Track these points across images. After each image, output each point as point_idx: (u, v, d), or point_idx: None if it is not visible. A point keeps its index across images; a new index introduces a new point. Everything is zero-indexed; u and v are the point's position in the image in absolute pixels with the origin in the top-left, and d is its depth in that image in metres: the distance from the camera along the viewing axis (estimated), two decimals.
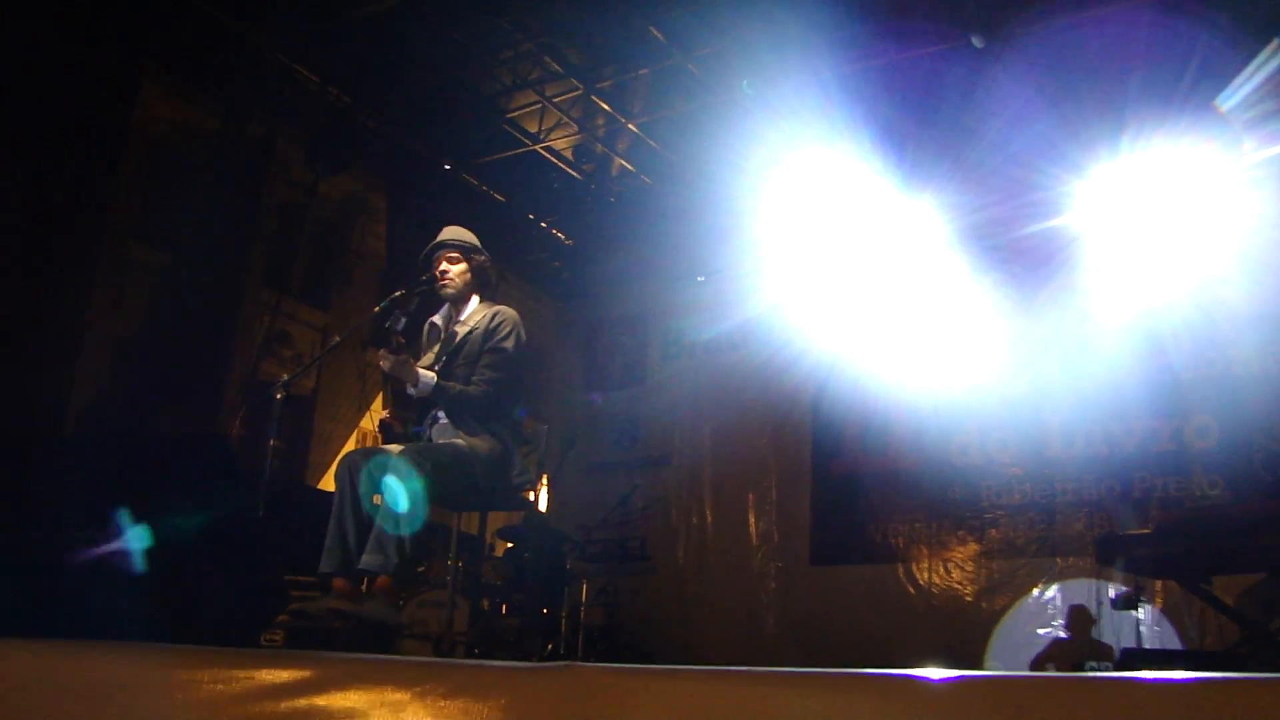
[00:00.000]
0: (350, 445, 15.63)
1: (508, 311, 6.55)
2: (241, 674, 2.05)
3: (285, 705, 2.09)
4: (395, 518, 5.42)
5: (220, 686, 2.03)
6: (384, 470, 5.56)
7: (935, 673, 2.07)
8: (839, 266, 12.79)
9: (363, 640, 5.27)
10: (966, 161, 11.24)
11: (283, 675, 2.12)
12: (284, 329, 15.05)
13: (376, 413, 14.27)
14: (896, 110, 11.03)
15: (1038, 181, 11.23)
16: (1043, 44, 10.04)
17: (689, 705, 2.05)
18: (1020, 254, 11.77)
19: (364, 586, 5.98)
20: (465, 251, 6.65)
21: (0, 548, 4.23)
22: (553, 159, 14.13)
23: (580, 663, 2.28)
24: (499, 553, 10.70)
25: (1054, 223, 11.51)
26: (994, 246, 11.89)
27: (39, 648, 2.31)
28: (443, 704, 2.09)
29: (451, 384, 6.15)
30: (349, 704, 2.10)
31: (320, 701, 2.09)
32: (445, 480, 5.76)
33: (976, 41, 10.01)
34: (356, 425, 16.21)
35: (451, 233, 6.75)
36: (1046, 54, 10.07)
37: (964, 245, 11.99)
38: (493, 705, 2.09)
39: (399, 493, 5.46)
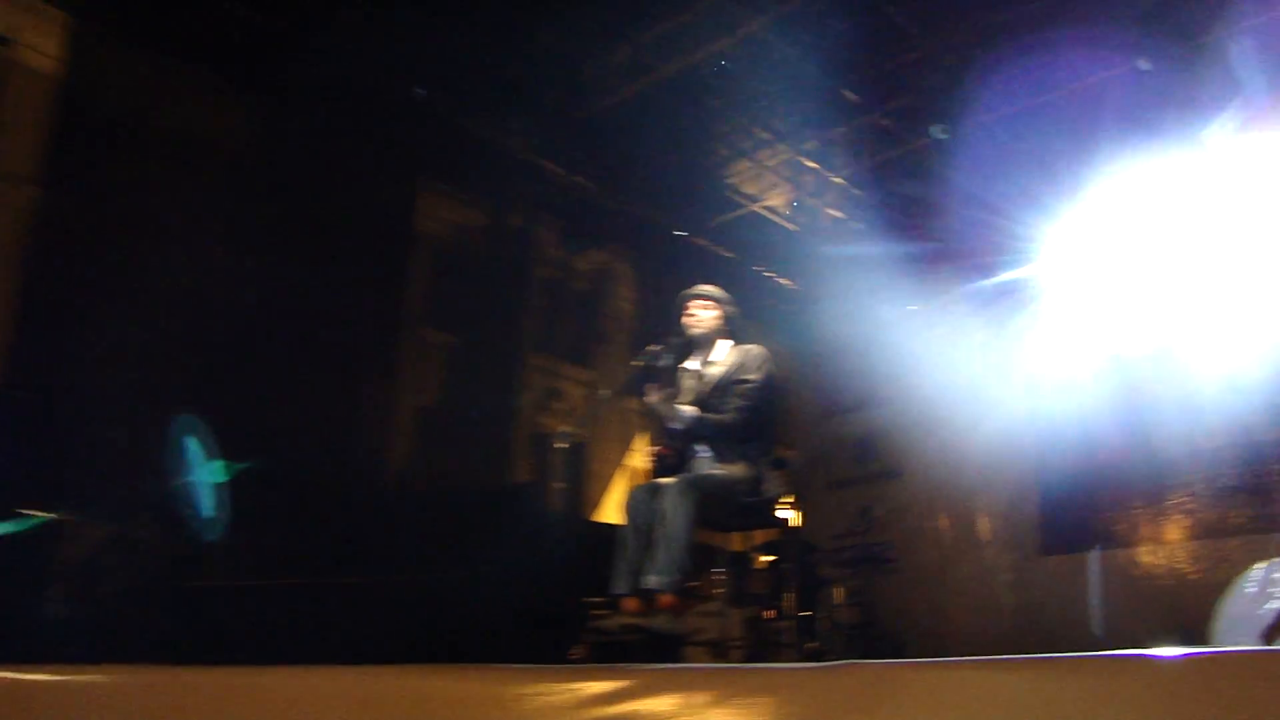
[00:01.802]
0: (618, 481, 16.23)
1: (757, 349, 6.91)
2: (562, 687, 2.22)
3: (608, 712, 2.19)
4: (673, 540, 5.82)
5: (548, 699, 2.20)
6: (662, 500, 5.97)
7: (1168, 651, 2.05)
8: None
9: (653, 651, 5.67)
10: None
11: (600, 686, 2.22)
12: (555, 387, 15.83)
13: (640, 451, 14.87)
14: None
15: None
16: None
17: (957, 692, 2.08)
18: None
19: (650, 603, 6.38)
20: (713, 299, 7.04)
21: (354, 587, 4.83)
22: (771, 215, 14.55)
23: (863, 661, 2.36)
24: (759, 565, 11.06)
25: None
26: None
27: (405, 672, 2.64)
28: (748, 703, 2.11)
29: (708, 415, 6.53)
30: (663, 709, 2.14)
31: (637, 707, 2.17)
32: (712, 505, 6.15)
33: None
34: (621, 463, 16.82)
35: (700, 288, 7.16)
36: None
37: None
38: (791, 703, 2.11)
39: (675, 518, 5.86)
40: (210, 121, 12.35)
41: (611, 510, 15.23)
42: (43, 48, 12.23)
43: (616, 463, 16.79)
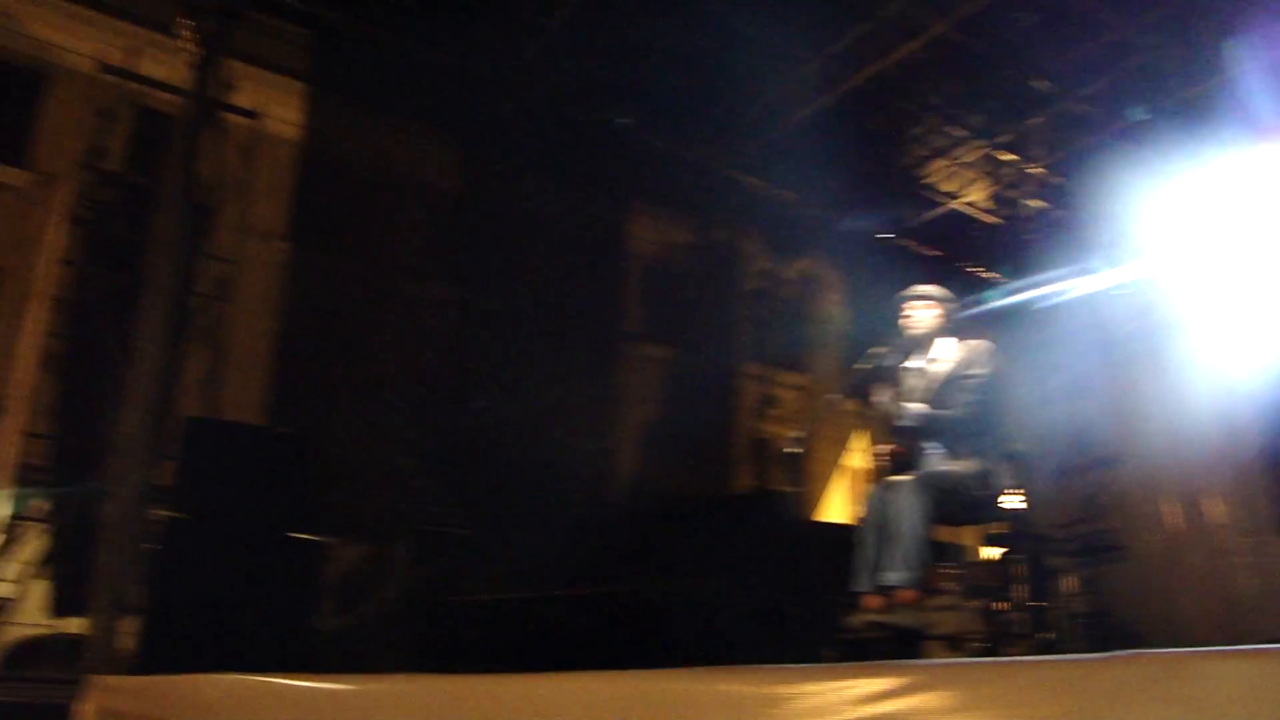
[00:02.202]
0: (836, 483, 16.15)
1: (980, 344, 6.82)
2: (833, 685, 2.13)
3: (884, 708, 2.13)
4: (910, 537, 5.84)
5: (822, 697, 2.17)
6: (896, 498, 5.99)
7: None
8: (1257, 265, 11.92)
9: (895, 647, 5.70)
10: None
11: (873, 683, 2.16)
12: (770, 394, 15.89)
13: (858, 451, 14.78)
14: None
15: None
16: None
17: (1236, 681, 1.93)
18: None
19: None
20: (930, 299, 6.98)
21: (604, 596, 5.05)
22: (971, 211, 14.28)
23: (1146, 650, 2.22)
24: (991, 558, 10.85)
25: None
26: None
27: (673, 674, 2.76)
28: (1030, 697, 2.03)
29: (937, 411, 6.49)
30: (938, 705, 2.08)
31: (914, 704, 2.11)
32: (945, 501, 6.12)
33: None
34: (837, 464, 16.74)
35: (917, 288, 7.11)
36: None
37: None
38: (1072, 695, 2.04)
39: (910, 515, 5.87)
40: (432, 167, 13.06)
41: (833, 511, 15.18)
42: (286, 117, 13.24)
43: (833, 463, 16.73)
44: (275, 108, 13.02)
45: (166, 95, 11.26)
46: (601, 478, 12.23)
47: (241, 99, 11.41)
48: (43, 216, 13.29)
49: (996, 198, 14.33)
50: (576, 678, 3.08)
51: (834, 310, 16.94)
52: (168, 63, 11.16)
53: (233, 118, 11.31)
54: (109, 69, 11.52)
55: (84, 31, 14.04)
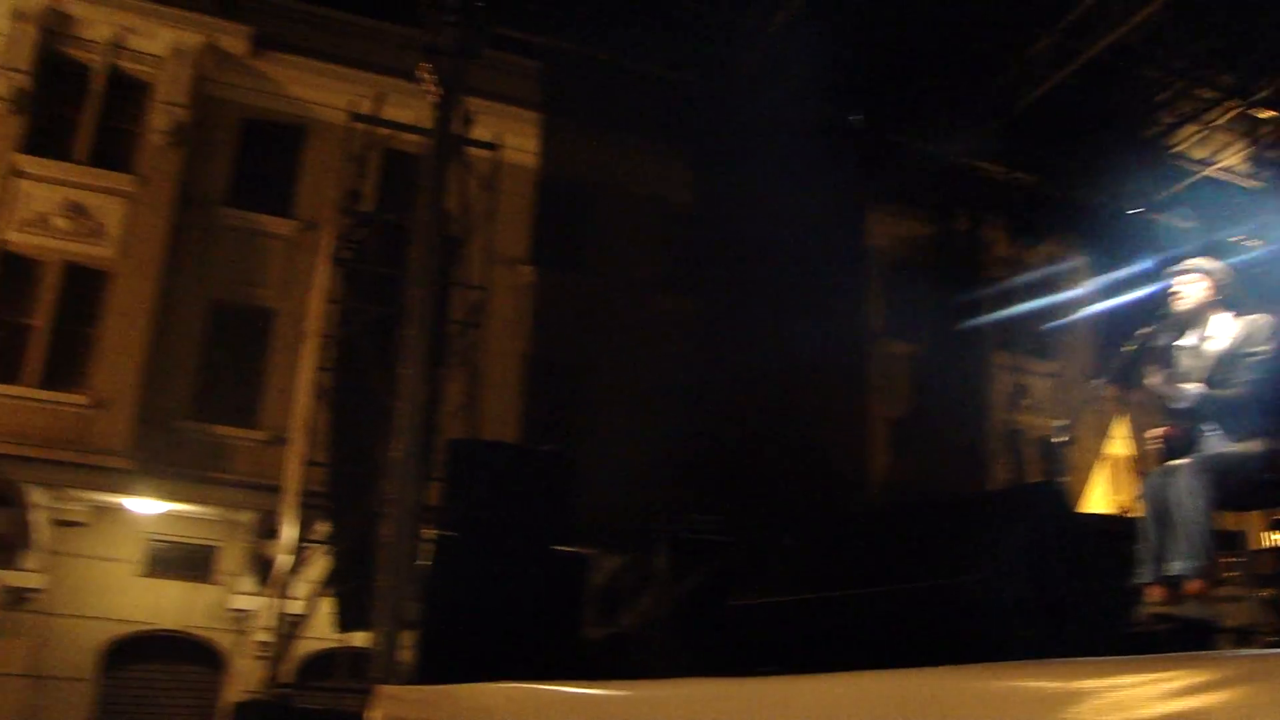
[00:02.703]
0: (1098, 471, 15.32)
1: (1263, 318, 6.27)
2: (1139, 678, 2.05)
3: (1197, 702, 2.01)
4: (1193, 524, 5.44)
5: (1129, 691, 2.08)
6: (1176, 484, 5.60)
7: None
8: None
9: (1183, 640, 5.31)
10: None
11: (1184, 677, 2.04)
12: (1021, 383, 15.27)
13: (1119, 438, 13.97)
14: None
15: None
16: None
17: None
18: None
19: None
20: (1200, 272, 6.47)
21: (876, 596, 4.91)
22: (1227, 176, 13.28)
23: None
24: (1276, 544, 10.02)
25: None
26: None
27: (968, 672, 2.63)
28: None
29: (1215, 391, 6.03)
30: (1256, 700, 1.93)
31: (1226, 698, 1.98)
32: (1227, 485, 5.67)
33: None
34: (1099, 451, 15.89)
35: (1186, 262, 6.61)
36: None
37: None
38: None
39: (1192, 501, 5.48)
40: (665, 181, 13.24)
41: (1098, 501, 14.40)
42: (523, 146, 13.76)
43: (1094, 451, 15.88)
44: (513, 138, 13.50)
45: (412, 136, 11.84)
46: (856, 475, 12.03)
47: (481, 133, 11.88)
48: (309, 260, 14.25)
49: (1255, 159, 13.27)
50: (865, 677, 2.99)
51: (1085, 293, 16.11)
52: (411, 106, 11.74)
53: (474, 151, 11.78)
54: (359, 118, 12.21)
55: (335, 86, 15.02)
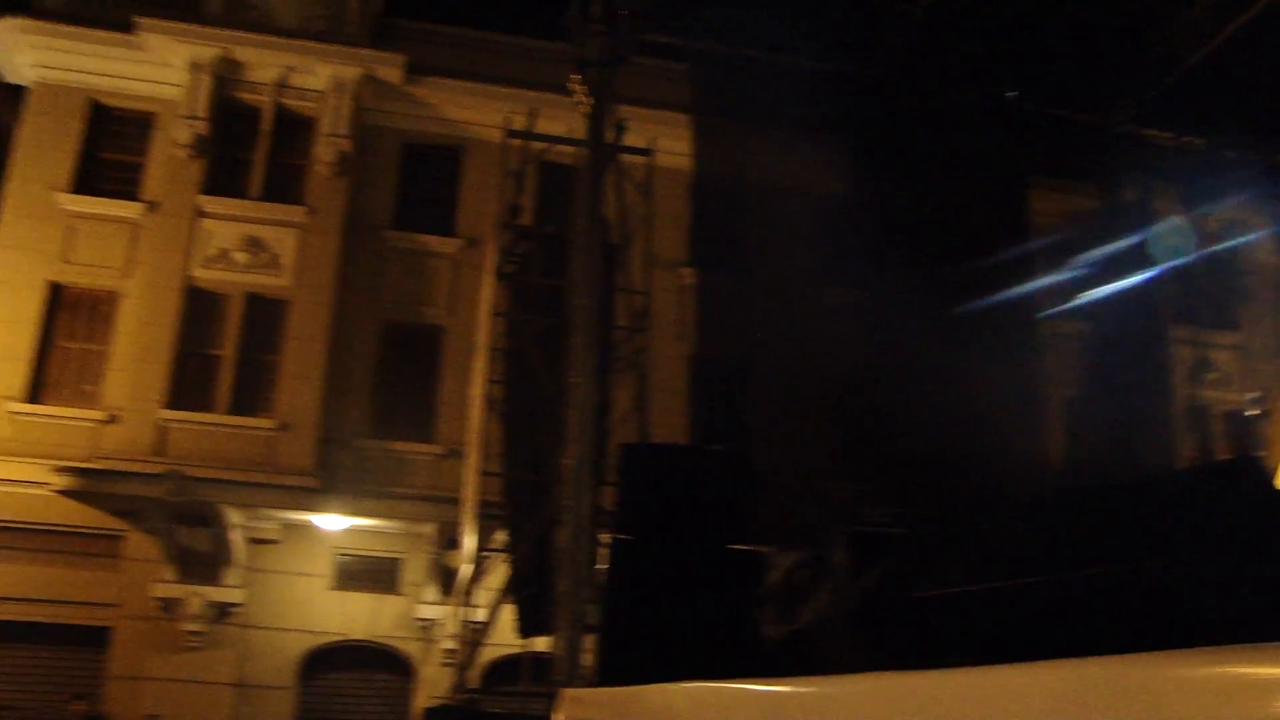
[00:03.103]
0: None
1: None
2: None
3: None
4: None
5: None
6: None
7: None
8: None
9: None
10: None
11: None
12: (1204, 356, 14.64)
13: None
14: None
15: None
16: None
17: None
18: None
19: None
20: None
21: (1070, 582, 4.77)
22: None
23: None
24: None
25: None
26: None
27: (1172, 658, 2.51)
28: None
29: None
30: None
31: None
32: None
33: None
34: None
35: None
36: None
37: None
38: None
39: None
40: (819, 173, 13.09)
41: None
42: (676, 149, 13.83)
43: None
44: (666, 141, 13.59)
45: (566, 148, 12.04)
46: (1035, 459, 11.67)
47: (634, 139, 11.99)
48: (473, 276, 14.65)
49: None
50: (1064, 665, 2.91)
51: (1266, 257, 15.30)
52: (564, 118, 11.96)
53: (628, 158, 11.90)
54: (514, 134, 12.48)
55: (488, 105, 15.42)
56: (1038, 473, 11.41)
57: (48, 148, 15.25)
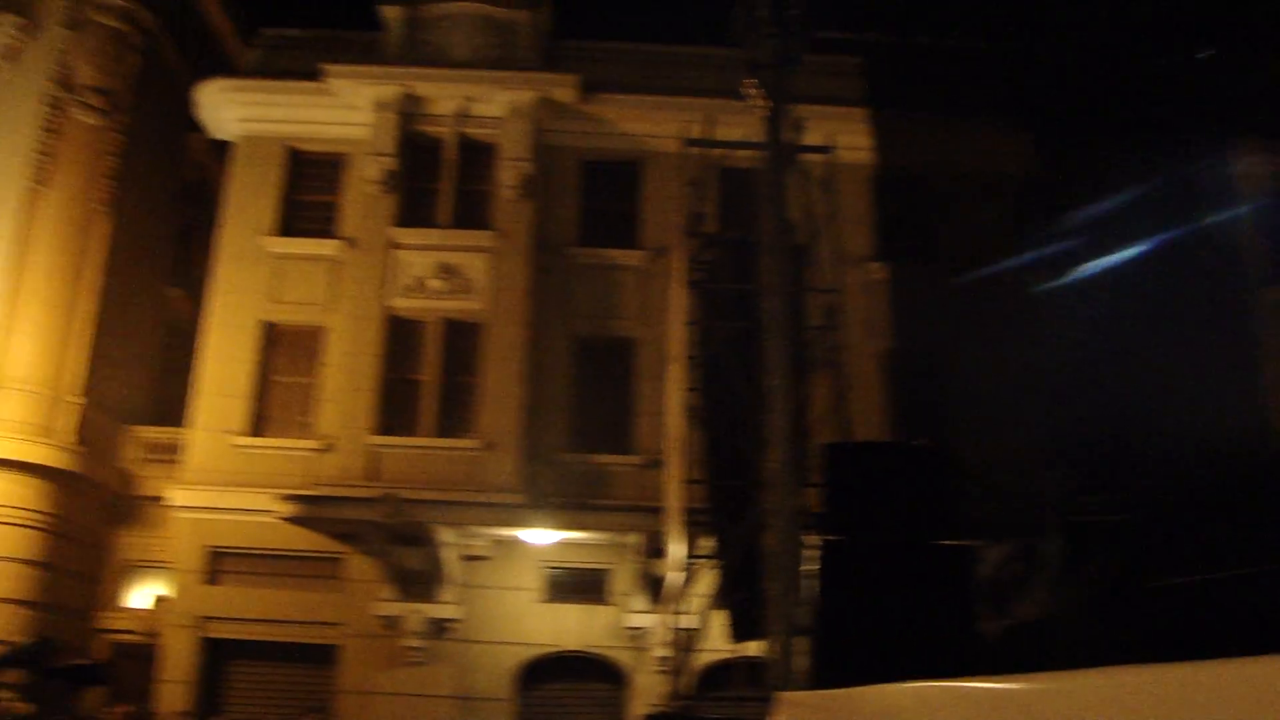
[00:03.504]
0: None
1: None
2: None
3: None
4: None
5: None
6: None
7: None
8: None
9: None
10: None
11: None
12: None
13: None
14: None
15: None
16: None
17: None
18: None
19: None
20: None
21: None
22: None
23: None
24: None
25: None
26: None
27: None
28: None
29: None
30: None
31: None
32: None
33: None
34: None
35: None
36: None
37: None
38: None
39: None
40: (1003, 157, 12.85)
41: None
42: (856, 144, 13.79)
43: None
44: (845, 137, 13.53)
45: (746, 153, 12.14)
46: (1257, 436, 11.12)
47: (813, 138, 12.01)
48: (661, 286, 14.92)
49: None
50: None
51: None
52: (741, 123, 12.06)
53: (809, 157, 11.92)
54: (692, 142, 12.67)
55: (664, 116, 15.69)
56: (1261, 450, 10.88)
57: (253, 195, 16.32)
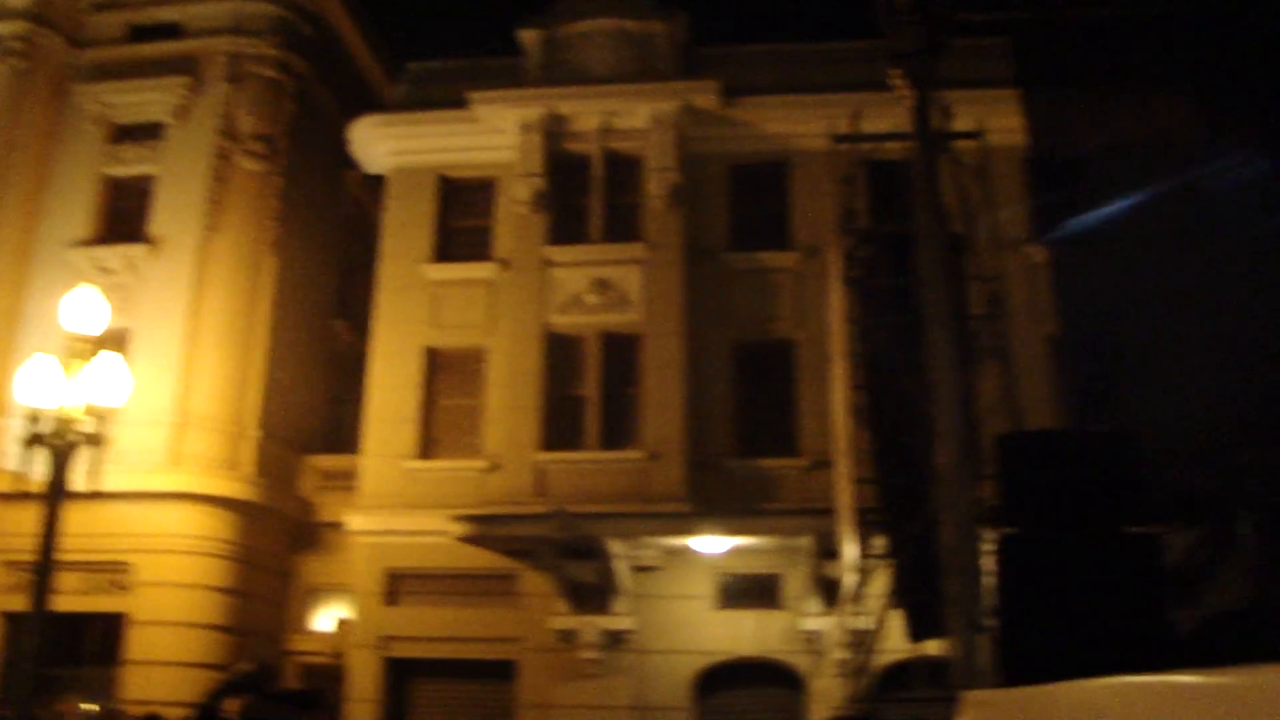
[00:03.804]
0: None
1: None
2: None
3: None
4: None
5: None
6: None
7: None
8: None
9: None
10: None
11: None
12: None
13: None
14: None
15: None
16: None
17: None
18: None
19: None
20: None
21: None
22: None
23: None
24: None
25: None
26: None
27: None
28: None
29: None
30: None
31: None
32: None
33: None
34: None
35: None
36: None
37: None
38: None
39: None
40: (1167, 127, 12.41)
41: None
42: (1007, 126, 13.52)
43: None
44: (996, 120, 13.26)
45: (895, 144, 12.04)
46: None
47: (963, 123, 11.82)
48: (817, 286, 14.87)
49: None
50: None
51: None
52: (888, 115, 11.97)
53: (960, 143, 11.74)
54: (840, 138, 12.62)
55: (809, 114, 15.66)
56: None
57: (409, 225, 16.95)
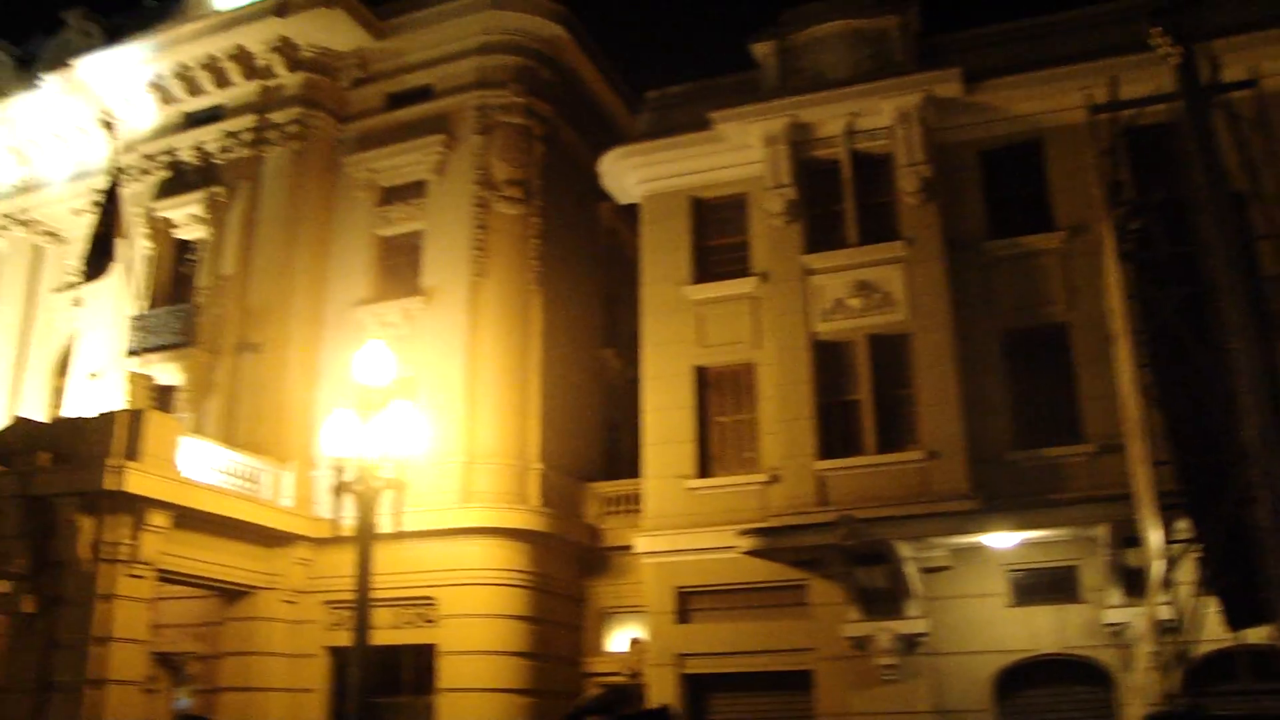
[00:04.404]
0: None
1: None
2: None
3: None
4: None
5: None
6: None
7: None
8: None
9: None
10: None
11: None
12: None
13: None
14: None
15: None
16: None
17: None
18: None
19: None
20: None
21: None
22: None
23: None
24: None
25: None
26: None
27: None
28: None
29: None
30: None
31: None
32: None
33: None
34: None
35: None
36: None
37: None
38: None
39: None
40: None
41: None
42: None
43: None
44: (1270, 63, 12.49)
45: (1156, 108, 11.61)
46: None
47: (1233, 73, 11.27)
48: (1085, 265, 14.44)
49: None
50: None
51: None
52: (1147, 77, 11.58)
53: (1232, 95, 11.21)
54: (1097, 109, 12.23)
55: (1059, 88, 15.23)
56: None
57: (665, 250, 17.54)
